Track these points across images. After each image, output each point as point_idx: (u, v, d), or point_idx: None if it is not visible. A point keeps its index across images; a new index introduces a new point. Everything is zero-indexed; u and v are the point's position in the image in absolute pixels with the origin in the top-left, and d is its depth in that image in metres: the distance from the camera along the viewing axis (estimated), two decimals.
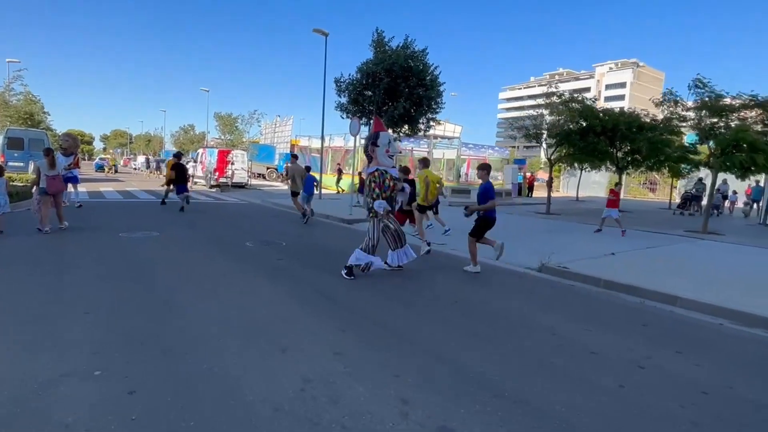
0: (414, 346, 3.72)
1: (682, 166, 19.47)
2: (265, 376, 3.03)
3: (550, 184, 17.56)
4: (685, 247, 10.24)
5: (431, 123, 15.96)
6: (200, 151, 28.00)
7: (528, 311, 4.97)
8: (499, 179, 31.75)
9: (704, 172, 22.75)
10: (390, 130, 16.78)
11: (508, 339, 4.02)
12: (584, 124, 15.41)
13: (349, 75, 16.54)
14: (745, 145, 11.24)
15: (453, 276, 6.64)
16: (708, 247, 10.40)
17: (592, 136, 15.28)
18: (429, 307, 4.86)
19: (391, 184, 6.21)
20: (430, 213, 10.21)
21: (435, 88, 15.49)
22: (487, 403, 2.83)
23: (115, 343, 3.44)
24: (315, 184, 12.32)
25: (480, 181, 7.25)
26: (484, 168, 7.26)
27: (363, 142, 22.29)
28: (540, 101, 17.56)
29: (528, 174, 30.48)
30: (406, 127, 15.82)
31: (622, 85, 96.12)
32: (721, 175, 21.44)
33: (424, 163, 9.73)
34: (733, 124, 12.14)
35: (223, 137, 42.03)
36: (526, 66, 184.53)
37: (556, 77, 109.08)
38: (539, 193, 33.23)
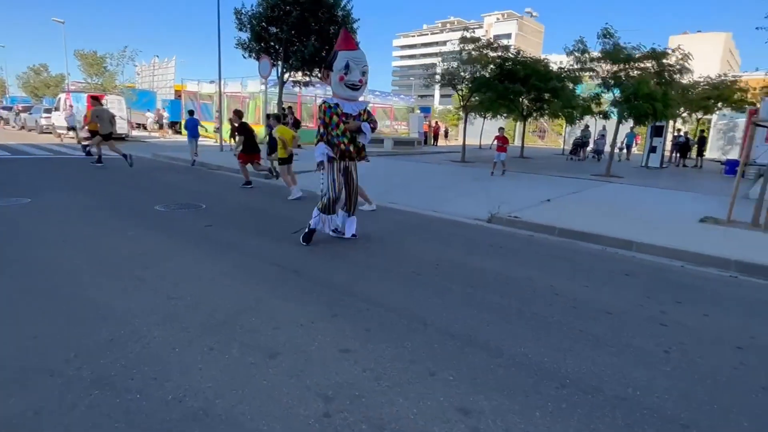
0: (429, 327, 3.08)
1: (576, 113, 20.82)
2: (270, 407, 2.16)
3: (464, 133, 17.74)
4: (602, 190, 10.84)
5: None
6: (61, 96, 23.32)
7: (515, 270, 4.57)
8: (404, 128, 31.62)
9: (591, 120, 24.70)
10: (299, 74, 15.24)
11: (520, 306, 3.56)
12: (501, 71, 15.40)
13: (252, 7, 14.44)
14: (644, 95, 12.01)
15: (410, 233, 6.06)
16: (620, 189, 11.14)
17: (507, 83, 15.38)
18: (417, 275, 4.20)
19: (340, 122, 4.75)
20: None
21: (349, 25, 14.15)
22: (569, 400, 2.33)
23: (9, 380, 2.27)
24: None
25: None
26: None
27: (262, 86, 20.20)
28: (453, 47, 17.20)
29: (433, 123, 30.67)
30: (317, 71, 14.40)
31: (508, 35, 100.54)
32: (603, 125, 23.48)
33: (276, 118, 9.15)
34: (635, 74, 12.92)
35: (89, 80, 35.51)
36: (418, 14, 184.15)
37: (448, 25, 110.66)
38: (443, 141, 33.98)
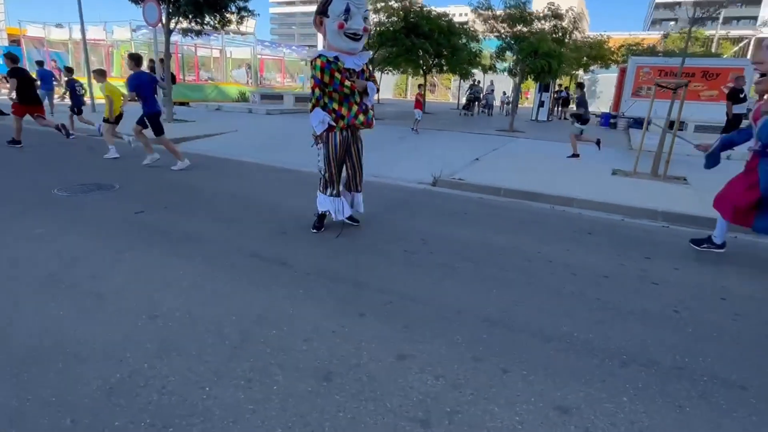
0: (463, 314, 2.92)
1: (471, 69, 21.59)
2: None
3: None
4: (516, 146, 11.47)
5: (244, 14, 13.07)
6: None
7: (497, 238, 4.55)
8: (299, 83, 30.03)
9: (481, 76, 25.81)
10: (187, 22, 13.31)
11: (528, 279, 3.57)
12: (405, 24, 15.10)
13: None
14: (543, 53, 12.78)
15: (369, 203, 5.75)
16: (531, 144, 11.89)
17: (413, 37, 15.18)
18: (412, 255, 3.97)
19: (344, 79, 3.82)
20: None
21: None
22: (641, 379, 2.36)
23: None
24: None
25: None
26: (133, 58, 7.13)
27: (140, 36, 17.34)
28: None
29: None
30: (210, 18, 12.57)
31: None
32: (491, 80, 24.68)
33: (100, 74, 8.46)
34: (533, 32, 13.60)
35: None
36: None
37: None
38: None
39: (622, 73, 18.03)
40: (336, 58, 3.83)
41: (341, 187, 4.36)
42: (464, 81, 23.63)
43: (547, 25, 13.75)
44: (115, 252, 3.70)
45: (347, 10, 3.67)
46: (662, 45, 28.86)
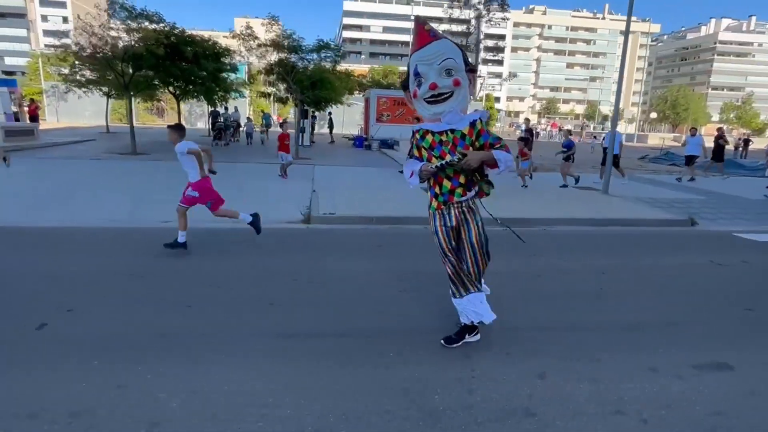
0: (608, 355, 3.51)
1: (219, 95, 20.93)
2: None
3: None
4: (311, 173, 12.12)
5: None
6: None
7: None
8: None
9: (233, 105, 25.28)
10: None
11: (570, 292, 4.39)
12: (166, 48, 13.66)
13: None
14: (326, 84, 13.97)
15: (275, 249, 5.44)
16: (330, 171, 12.77)
17: (179, 63, 13.88)
18: (443, 300, 4.21)
19: (430, 156, 3.10)
20: None
21: None
22: None
23: None
24: None
25: None
26: None
27: None
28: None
29: (30, 101, 23.15)
30: None
31: None
32: (236, 107, 24.62)
33: None
34: (308, 64, 14.58)
35: None
36: None
37: None
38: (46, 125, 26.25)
39: (367, 102, 21.13)
40: (424, 131, 3.14)
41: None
42: (214, 107, 22.61)
43: (318, 57, 14.86)
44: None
45: (416, 74, 3.06)
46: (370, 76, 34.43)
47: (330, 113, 23.55)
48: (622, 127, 49.27)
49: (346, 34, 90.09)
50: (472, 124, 3.04)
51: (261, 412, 2.45)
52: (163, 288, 4.17)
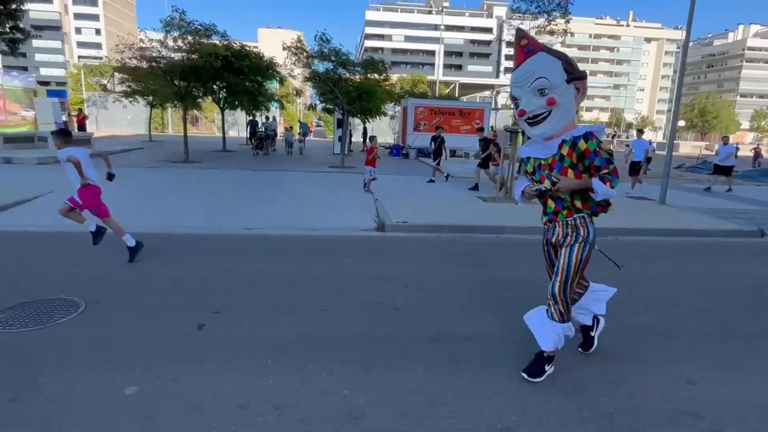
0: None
1: (262, 105, 21.44)
2: None
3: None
4: (379, 182, 12.29)
5: (19, 36, 9.72)
6: None
7: (543, 273, 5.37)
8: (24, 116, 23.37)
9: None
10: None
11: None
12: (225, 62, 14.17)
13: None
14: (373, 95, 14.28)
15: (371, 256, 5.64)
16: (388, 180, 12.93)
17: (231, 75, 14.39)
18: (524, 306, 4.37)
19: (533, 180, 3.03)
20: None
21: None
22: None
23: None
24: None
25: None
26: None
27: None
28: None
29: (78, 111, 24.07)
30: None
31: (94, 1, 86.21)
32: (274, 116, 25.11)
33: None
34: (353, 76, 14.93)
35: None
36: None
37: None
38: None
39: (404, 111, 21.39)
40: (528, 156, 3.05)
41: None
42: (253, 116, 23.13)
43: (360, 70, 15.25)
44: None
45: (513, 98, 2.97)
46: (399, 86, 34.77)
47: (365, 122, 23.90)
48: (648, 135, 48.42)
49: (368, 43, 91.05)
50: (573, 145, 2.76)
51: (434, 411, 2.63)
52: (286, 292, 4.39)
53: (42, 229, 6.43)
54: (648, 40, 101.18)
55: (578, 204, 2.88)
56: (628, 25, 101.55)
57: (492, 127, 21.15)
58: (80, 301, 3.87)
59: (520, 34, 2.87)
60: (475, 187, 11.45)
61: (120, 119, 35.21)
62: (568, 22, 12.28)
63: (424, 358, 3.21)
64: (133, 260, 5.12)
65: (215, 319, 3.70)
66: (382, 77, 15.24)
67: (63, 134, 5.15)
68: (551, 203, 2.96)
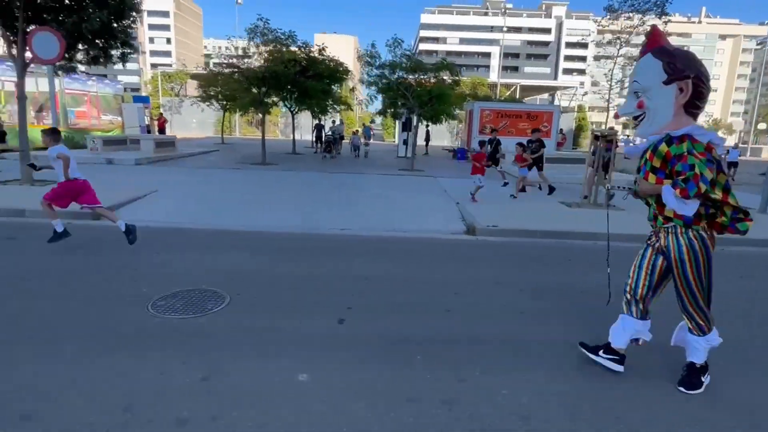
0: None
1: (331, 108, 21.87)
2: None
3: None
4: (454, 185, 12.30)
5: (127, 51, 10.62)
6: None
7: None
8: (111, 120, 25.34)
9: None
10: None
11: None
12: (302, 67, 14.72)
13: None
14: (445, 99, 14.29)
15: (446, 259, 5.66)
16: (458, 184, 12.94)
17: (305, 80, 14.91)
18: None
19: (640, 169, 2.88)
20: None
21: None
22: None
23: None
24: None
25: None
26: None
27: None
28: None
29: (158, 115, 25.81)
30: (94, 52, 9.79)
31: (166, 14, 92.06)
32: (341, 120, 25.55)
33: None
34: (428, 80, 15.01)
35: None
36: None
37: None
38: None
39: (470, 114, 21.24)
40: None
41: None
42: (319, 120, 23.73)
43: (445, 76, 15.28)
44: None
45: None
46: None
47: (428, 126, 23.99)
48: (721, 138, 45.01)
49: (423, 46, 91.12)
50: (654, 148, 2.73)
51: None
52: (404, 293, 4.52)
53: (159, 224, 6.96)
54: (723, 37, 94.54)
55: (667, 212, 2.74)
56: (699, 22, 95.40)
57: (561, 130, 20.56)
58: (225, 294, 4.17)
59: (648, 34, 2.84)
60: (551, 190, 11.20)
61: (188, 123, 37.31)
62: (666, 23, 11.73)
63: (578, 364, 3.21)
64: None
65: (350, 315, 3.87)
66: (454, 79, 15.25)
67: (53, 133, 5.55)
68: (651, 207, 2.89)
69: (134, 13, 10.12)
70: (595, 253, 6.61)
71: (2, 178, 9.51)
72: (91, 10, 8.97)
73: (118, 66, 11.79)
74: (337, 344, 3.37)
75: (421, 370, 3.04)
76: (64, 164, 5.35)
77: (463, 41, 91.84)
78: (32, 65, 9.31)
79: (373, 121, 38.11)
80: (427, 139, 24.31)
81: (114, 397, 2.60)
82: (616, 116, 3.05)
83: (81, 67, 10.80)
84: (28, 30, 8.70)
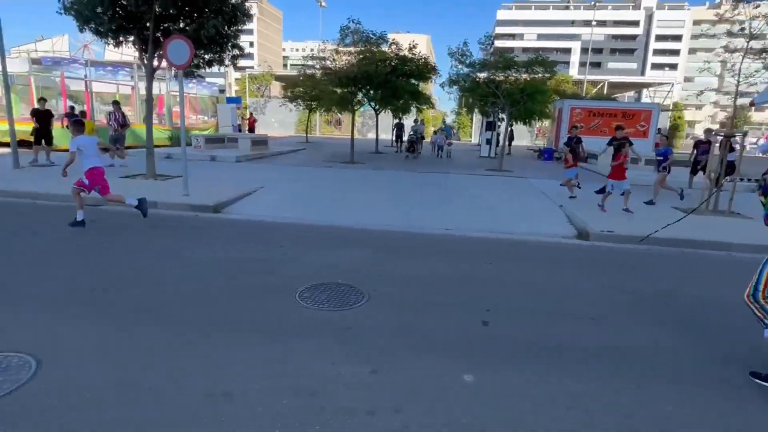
0: None
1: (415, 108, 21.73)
2: None
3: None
4: (549, 185, 11.85)
5: (237, 53, 11.41)
6: None
7: None
8: (205, 119, 27.23)
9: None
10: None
11: None
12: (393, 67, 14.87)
13: None
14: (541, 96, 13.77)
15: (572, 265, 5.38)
16: (554, 186, 12.45)
17: (395, 79, 15.06)
18: None
19: None
20: None
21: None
22: None
23: None
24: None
25: None
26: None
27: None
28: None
29: (248, 115, 27.38)
30: (210, 56, 10.65)
31: (249, 17, 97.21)
32: (422, 119, 25.34)
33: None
34: (521, 78, 14.57)
35: None
36: None
37: None
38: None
39: (559, 113, 20.35)
40: None
41: None
42: (399, 119, 23.84)
43: (539, 73, 14.79)
44: None
45: None
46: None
47: (511, 125, 23.31)
48: None
49: (498, 43, 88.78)
50: None
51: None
52: (536, 297, 4.39)
53: (272, 219, 7.34)
54: None
55: None
56: None
57: (659, 129, 19.09)
58: (363, 290, 4.29)
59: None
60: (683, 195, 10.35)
61: (271, 122, 39.16)
62: None
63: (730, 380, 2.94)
64: (145, 214, 6.47)
65: (492, 318, 3.82)
66: (550, 75, 14.65)
67: (77, 124, 6.22)
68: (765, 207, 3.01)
69: (245, 18, 10.75)
70: (728, 264, 6.05)
71: (128, 173, 10.51)
72: (208, 18, 9.66)
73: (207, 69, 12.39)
74: (491, 347, 3.34)
75: (585, 378, 2.92)
76: (75, 157, 6.06)
77: (541, 37, 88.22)
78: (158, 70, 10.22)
79: (444, 121, 37.72)
80: (511, 138, 23.61)
81: (296, 382, 2.74)
82: (752, 104, 3.16)
83: (199, 71, 11.62)
84: (157, 38, 9.57)
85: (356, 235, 6.65)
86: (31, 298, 3.84)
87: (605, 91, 34.35)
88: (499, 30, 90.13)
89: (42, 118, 11.63)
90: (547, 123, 26.30)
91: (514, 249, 6.34)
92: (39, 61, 16.00)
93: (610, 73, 68.57)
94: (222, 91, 65.28)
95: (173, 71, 15.80)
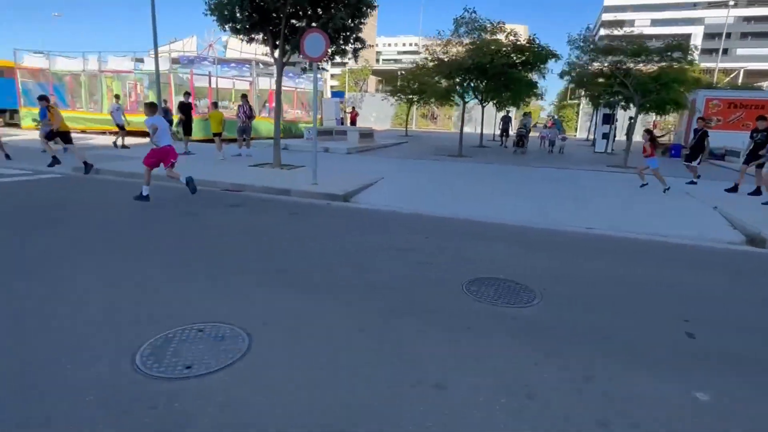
0: None
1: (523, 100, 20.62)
2: None
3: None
4: (683, 186, 10.63)
5: (359, 46, 11.63)
6: None
7: None
8: (309, 113, 28.34)
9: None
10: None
11: None
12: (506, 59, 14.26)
13: None
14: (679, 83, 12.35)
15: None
16: (684, 184, 11.13)
17: (510, 70, 14.41)
18: None
19: None
20: None
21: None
22: None
23: None
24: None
25: None
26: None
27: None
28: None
29: (350, 109, 28.16)
30: (332, 48, 11.01)
31: None
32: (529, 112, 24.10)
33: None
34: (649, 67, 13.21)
35: None
36: None
37: None
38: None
39: (691, 104, 18.26)
40: None
41: None
42: (506, 112, 22.95)
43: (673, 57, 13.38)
44: None
45: None
46: None
47: (631, 118, 21.35)
48: None
49: (603, 32, 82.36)
50: None
51: None
52: (714, 307, 3.82)
53: (399, 209, 7.30)
54: None
55: None
56: None
57: None
58: (535, 289, 4.02)
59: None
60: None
61: (369, 116, 39.89)
62: None
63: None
64: (194, 192, 7.09)
65: (695, 329, 3.37)
66: (688, 61, 13.10)
67: (150, 106, 6.98)
68: None
69: (370, 10, 10.84)
70: None
71: (256, 162, 11.15)
72: (334, 11, 9.88)
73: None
74: (714, 362, 2.92)
75: None
76: (153, 131, 6.73)
77: (655, 23, 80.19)
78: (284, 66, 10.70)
79: (553, 116, 35.67)
80: (629, 132, 21.66)
81: (503, 381, 2.58)
82: None
83: (326, 65, 12.01)
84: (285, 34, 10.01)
85: (494, 230, 6.39)
86: (230, 273, 4.11)
87: (740, 80, 30.23)
88: (606, 17, 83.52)
89: (186, 110, 12.81)
90: (670, 117, 23.71)
91: (676, 253, 5.68)
92: (177, 60, 17.68)
93: (740, 60, 60.52)
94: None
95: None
